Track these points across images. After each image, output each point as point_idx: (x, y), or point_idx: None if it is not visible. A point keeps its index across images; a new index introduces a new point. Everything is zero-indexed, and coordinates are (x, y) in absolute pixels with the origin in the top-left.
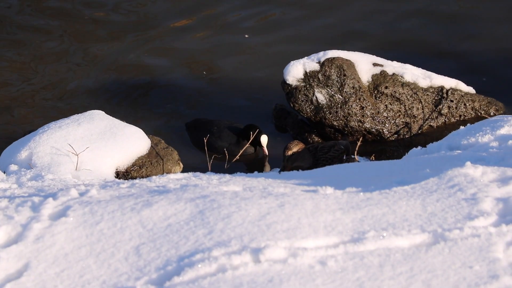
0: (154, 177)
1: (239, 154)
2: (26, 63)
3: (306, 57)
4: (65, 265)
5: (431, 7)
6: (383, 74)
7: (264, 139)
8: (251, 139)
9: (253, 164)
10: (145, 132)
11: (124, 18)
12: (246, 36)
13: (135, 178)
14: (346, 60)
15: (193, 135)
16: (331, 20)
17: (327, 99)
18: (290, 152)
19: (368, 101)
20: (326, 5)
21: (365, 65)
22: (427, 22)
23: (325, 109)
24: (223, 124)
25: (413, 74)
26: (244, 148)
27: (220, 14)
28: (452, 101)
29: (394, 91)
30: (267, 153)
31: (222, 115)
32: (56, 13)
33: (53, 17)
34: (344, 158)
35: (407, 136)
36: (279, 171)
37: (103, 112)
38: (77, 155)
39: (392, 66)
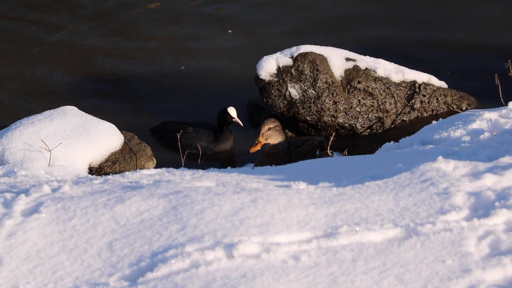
0: (127, 173)
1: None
2: None
3: (279, 52)
4: (38, 262)
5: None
6: (356, 68)
7: (231, 110)
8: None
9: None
10: (118, 128)
11: (92, 10)
12: (230, 31)
13: (108, 174)
14: (319, 55)
15: (164, 137)
16: (304, 14)
17: (300, 94)
18: (266, 128)
19: (341, 96)
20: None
21: (338, 59)
22: (397, 15)
23: (298, 104)
24: (196, 124)
25: (385, 68)
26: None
27: (195, 7)
28: (424, 95)
29: (367, 86)
30: (241, 123)
31: (195, 110)
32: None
33: (25, 9)
34: (318, 153)
35: (380, 131)
36: (251, 149)
37: (76, 108)
38: (49, 151)
39: (364, 61)
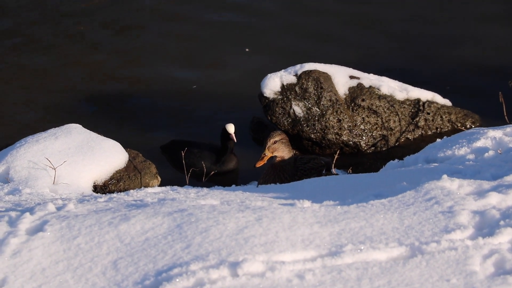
0: (131, 191)
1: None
2: (1, 79)
3: (283, 69)
4: (43, 280)
5: (409, 20)
6: (360, 86)
7: (230, 127)
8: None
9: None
10: (122, 146)
11: (105, 30)
12: (247, 50)
13: (113, 191)
14: (323, 72)
15: (172, 155)
16: (309, 33)
17: (304, 112)
18: (272, 141)
19: (345, 114)
20: (304, 18)
21: (342, 77)
22: (402, 34)
23: (302, 122)
24: (203, 145)
25: (389, 86)
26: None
27: (202, 24)
28: (428, 113)
29: (371, 103)
30: (234, 139)
31: (199, 128)
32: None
33: (31, 29)
34: (324, 172)
35: (384, 149)
36: (257, 164)
37: (81, 126)
38: (54, 169)
39: (368, 79)
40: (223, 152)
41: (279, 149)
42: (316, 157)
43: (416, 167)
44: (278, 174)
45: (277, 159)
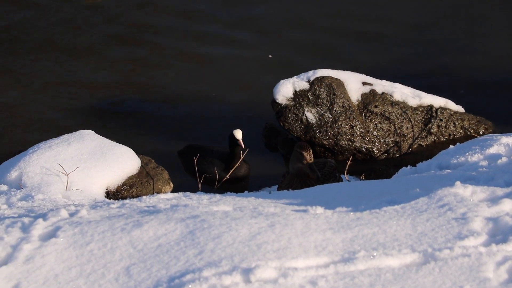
0: (144, 197)
1: (234, 167)
2: (13, 84)
3: (295, 76)
4: (55, 286)
5: (420, 27)
6: (372, 93)
7: (237, 133)
8: (237, 156)
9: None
10: (135, 152)
11: (119, 35)
12: (270, 56)
13: (126, 198)
14: (336, 79)
15: (188, 160)
16: (321, 38)
17: (317, 118)
18: (310, 150)
19: (358, 120)
20: (316, 23)
21: (354, 84)
22: (416, 40)
23: (315, 128)
24: (217, 151)
25: (402, 93)
26: (236, 165)
27: (214, 30)
28: (441, 120)
29: (384, 110)
30: (242, 145)
31: (212, 134)
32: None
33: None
34: (337, 175)
35: (397, 155)
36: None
37: (93, 132)
38: (67, 175)
39: (381, 85)
40: (231, 158)
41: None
42: (326, 160)
43: (429, 173)
44: (305, 181)
45: (306, 166)
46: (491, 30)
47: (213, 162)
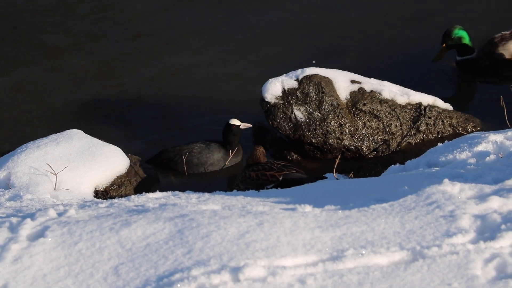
0: (133, 196)
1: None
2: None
3: (284, 74)
4: (44, 286)
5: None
6: (361, 91)
7: (234, 121)
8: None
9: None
10: (124, 151)
11: (109, 36)
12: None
13: (114, 197)
14: (324, 77)
15: (164, 164)
16: (309, 37)
17: (306, 117)
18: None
19: (347, 118)
20: (305, 22)
21: (343, 82)
22: (403, 37)
23: (303, 127)
24: (203, 143)
25: (391, 91)
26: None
27: (203, 32)
28: (430, 117)
29: (372, 108)
30: (248, 125)
31: (202, 132)
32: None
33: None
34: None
35: (385, 153)
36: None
37: (82, 131)
38: (55, 174)
39: (370, 83)
40: (229, 143)
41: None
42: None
43: (417, 171)
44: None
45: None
46: (478, 26)
47: (211, 148)
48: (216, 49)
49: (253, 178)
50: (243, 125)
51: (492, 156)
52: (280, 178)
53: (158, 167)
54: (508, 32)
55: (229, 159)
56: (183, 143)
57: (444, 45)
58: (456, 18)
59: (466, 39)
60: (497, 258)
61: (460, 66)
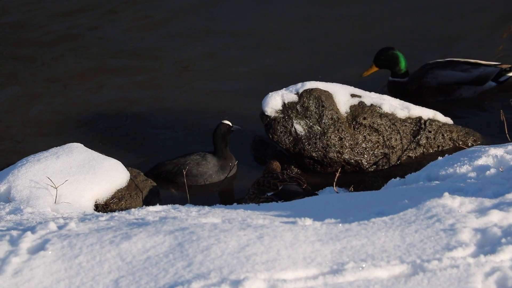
0: (133, 209)
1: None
2: (3, 97)
3: (284, 88)
4: None
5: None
6: (361, 105)
7: (227, 122)
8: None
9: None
10: (124, 165)
11: (106, 50)
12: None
13: (114, 210)
14: (324, 91)
15: (163, 175)
16: (309, 51)
17: (306, 130)
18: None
19: (347, 132)
20: (305, 37)
21: (343, 96)
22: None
23: (303, 140)
24: (198, 154)
25: (391, 105)
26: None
27: (203, 46)
28: (430, 131)
29: (373, 122)
30: (239, 127)
31: (203, 147)
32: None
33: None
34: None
35: (385, 167)
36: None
37: (82, 145)
38: (56, 188)
39: (370, 97)
40: (220, 151)
41: None
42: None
43: (417, 185)
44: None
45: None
46: (474, 40)
47: (206, 158)
48: (215, 62)
49: (259, 183)
50: (234, 127)
51: (493, 170)
52: (280, 188)
53: (158, 180)
54: (442, 60)
55: (230, 171)
56: (180, 156)
57: (373, 64)
58: (455, 32)
59: (402, 63)
60: (497, 272)
61: (389, 87)
